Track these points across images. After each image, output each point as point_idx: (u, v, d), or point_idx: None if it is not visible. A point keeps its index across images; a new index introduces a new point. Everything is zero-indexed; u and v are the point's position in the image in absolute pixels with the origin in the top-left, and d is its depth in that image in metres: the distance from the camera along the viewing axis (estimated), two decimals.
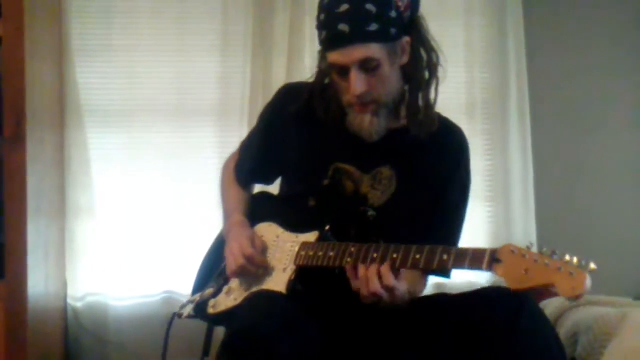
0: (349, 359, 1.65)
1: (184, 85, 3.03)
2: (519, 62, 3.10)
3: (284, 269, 1.70)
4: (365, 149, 1.75)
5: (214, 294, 1.81)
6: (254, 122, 2.05)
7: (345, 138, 1.76)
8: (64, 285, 2.89)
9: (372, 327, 1.65)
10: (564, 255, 1.35)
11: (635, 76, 3.24)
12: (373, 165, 1.77)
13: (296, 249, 1.71)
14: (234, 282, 1.79)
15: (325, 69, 1.78)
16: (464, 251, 1.46)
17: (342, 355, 1.64)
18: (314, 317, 1.56)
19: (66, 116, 2.91)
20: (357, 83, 1.65)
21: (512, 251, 1.39)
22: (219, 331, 1.83)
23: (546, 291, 1.37)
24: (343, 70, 1.67)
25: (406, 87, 1.76)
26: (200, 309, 1.81)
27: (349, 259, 1.59)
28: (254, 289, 1.73)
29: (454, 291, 1.75)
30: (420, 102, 1.76)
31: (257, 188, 2.13)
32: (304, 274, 1.69)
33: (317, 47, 1.77)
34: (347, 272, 1.58)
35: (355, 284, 1.56)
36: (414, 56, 1.74)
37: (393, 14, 1.64)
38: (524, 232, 3.01)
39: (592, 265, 1.33)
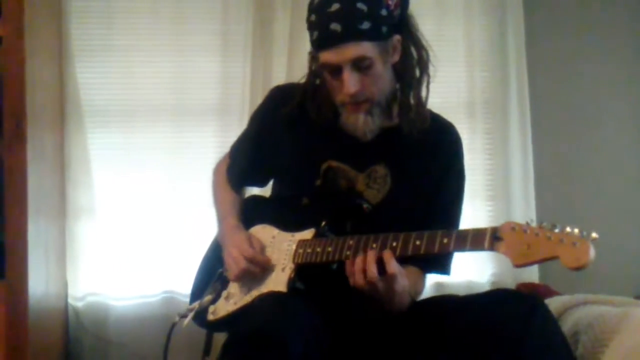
0: (356, 359, 1.65)
1: (184, 85, 3.03)
2: (519, 61, 3.10)
3: (283, 269, 1.70)
4: (360, 148, 1.76)
5: (213, 301, 1.80)
6: None
7: (339, 138, 1.77)
8: (65, 285, 2.89)
9: (378, 326, 1.65)
10: (564, 227, 1.34)
11: (636, 77, 3.24)
12: (368, 164, 1.77)
13: (294, 247, 1.71)
14: (233, 287, 1.79)
15: (317, 70, 1.78)
16: (465, 233, 1.47)
17: (349, 355, 1.64)
18: (321, 316, 1.56)
19: (66, 116, 2.91)
20: (350, 82, 1.66)
21: (513, 228, 1.39)
22: None
23: None
24: (336, 70, 1.68)
25: (398, 86, 1.76)
26: (200, 317, 1.81)
27: (348, 252, 1.59)
28: (254, 291, 1.73)
29: (454, 291, 1.75)
30: (412, 100, 1.76)
31: (249, 191, 2.14)
32: (303, 272, 1.69)
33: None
34: (347, 268, 1.57)
35: (351, 271, 1.56)
36: (405, 54, 1.75)
37: (384, 12, 1.65)
38: None
39: (594, 235, 1.33)
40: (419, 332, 1.58)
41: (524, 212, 3.03)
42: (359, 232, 1.63)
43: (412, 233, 1.53)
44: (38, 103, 2.52)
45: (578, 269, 1.31)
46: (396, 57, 1.73)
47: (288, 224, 1.77)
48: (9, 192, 2.31)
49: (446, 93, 3.09)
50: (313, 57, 1.77)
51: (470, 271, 3.03)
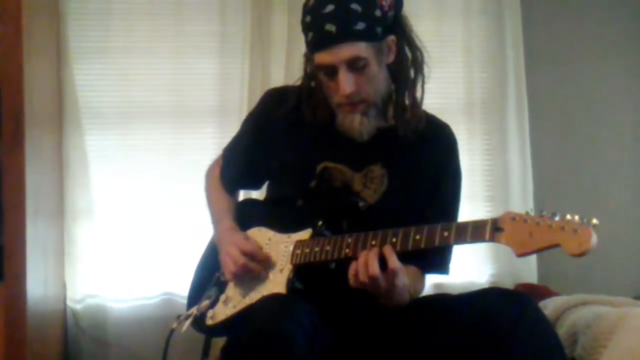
0: (355, 358, 1.64)
1: (182, 86, 3.03)
2: (517, 62, 3.10)
3: (281, 270, 1.70)
4: (356, 149, 1.76)
5: (212, 305, 1.80)
6: None
7: (335, 139, 1.77)
8: (63, 287, 2.89)
9: (376, 325, 1.65)
10: (565, 215, 1.34)
11: (634, 78, 3.24)
12: (364, 164, 1.77)
13: (291, 248, 1.70)
14: (231, 290, 1.78)
15: (312, 72, 1.78)
16: (465, 225, 1.46)
17: (349, 353, 1.64)
18: (321, 315, 1.56)
19: (64, 118, 2.91)
20: (346, 83, 1.66)
21: (513, 218, 1.39)
22: None
23: None
24: (331, 71, 1.68)
25: (393, 87, 1.76)
26: (198, 322, 1.80)
27: (347, 250, 1.59)
28: (253, 294, 1.72)
29: (454, 291, 1.75)
30: (407, 100, 1.76)
31: (243, 195, 2.13)
32: (301, 272, 1.68)
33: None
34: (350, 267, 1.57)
35: (353, 269, 1.56)
36: (400, 55, 1.75)
37: (378, 13, 1.65)
38: None
39: (595, 221, 1.32)
40: (414, 329, 1.59)
41: None
42: (356, 230, 1.63)
43: (412, 227, 1.53)
44: (36, 104, 2.52)
45: (580, 255, 1.31)
46: (391, 58, 1.74)
47: (284, 226, 1.77)
48: (7, 194, 2.31)
49: (444, 94, 3.09)
50: (308, 59, 1.77)
51: (470, 272, 3.04)
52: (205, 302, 1.80)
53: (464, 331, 1.49)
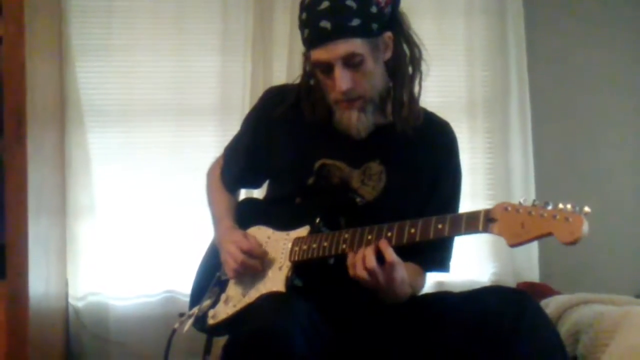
0: (356, 355, 1.65)
1: (184, 84, 3.03)
2: (519, 61, 3.10)
3: (280, 268, 1.70)
4: (354, 146, 1.76)
5: (213, 305, 1.80)
6: None
7: (333, 136, 1.77)
8: (65, 285, 2.89)
9: (376, 322, 1.65)
10: (557, 204, 1.34)
11: (636, 72, 3.24)
12: (362, 161, 1.78)
13: (289, 245, 1.71)
14: (231, 290, 1.79)
15: (310, 70, 1.78)
16: (458, 217, 1.47)
17: (349, 351, 1.64)
18: (321, 313, 1.56)
19: (66, 116, 2.92)
20: (342, 79, 1.66)
21: (506, 208, 1.39)
22: None
23: None
24: (327, 68, 1.68)
25: (391, 83, 1.76)
26: (200, 322, 1.81)
27: (344, 246, 1.60)
28: (253, 292, 1.73)
29: (456, 289, 1.75)
30: (405, 97, 1.76)
31: (244, 193, 2.14)
32: (300, 269, 1.69)
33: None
34: (348, 261, 1.57)
35: (351, 263, 1.56)
36: (397, 52, 1.75)
37: (374, 9, 1.65)
38: None
39: (587, 209, 1.32)
40: (415, 326, 1.59)
41: None
42: (354, 226, 1.63)
43: (407, 221, 1.54)
44: (38, 103, 2.52)
45: (572, 243, 1.30)
46: (388, 54, 1.74)
47: (283, 224, 1.78)
48: (9, 192, 2.31)
49: (447, 92, 3.09)
50: (307, 57, 1.77)
51: (471, 270, 3.04)
52: (207, 302, 1.80)
53: (465, 329, 1.50)
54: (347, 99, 1.70)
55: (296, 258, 1.68)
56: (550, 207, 1.34)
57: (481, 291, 1.62)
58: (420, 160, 1.79)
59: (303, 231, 1.72)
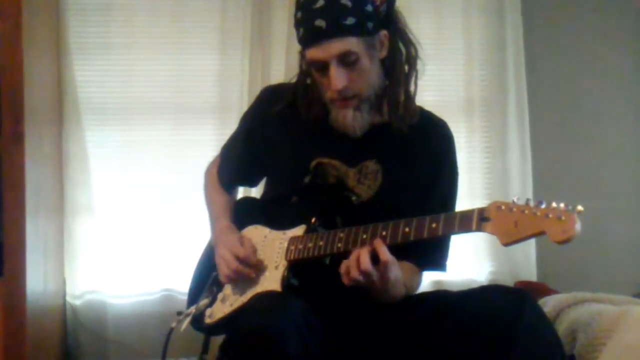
0: (352, 355, 1.65)
1: (183, 82, 3.03)
2: (517, 60, 3.10)
3: (276, 267, 1.71)
4: (350, 144, 1.76)
5: (210, 304, 1.80)
6: None
7: (329, 135, 1.77)
8: (63, 283, 2.89)
9: (373, 322, 1.65)
10: (550, 203, 1.34)
11: (634, 72, 3.24)
12: (358, 160, 1.78)
13: (285, 245, 1.71)
14: (228, 289, 1.79)
15: (306, 68, 1.78)
16: (452, 216, 1.48)
17: (345, 351, 1.64)
18: (317, 313, 1.56)
19: (64, 114, 2.91)
20: (337, 78, 1.66)
21: (499, 207, 1.40)
22: None
23: None
24: (323, 67, 1.68)
25: (387, 82, 1.76)
26: (197, 321, 1.81)
27: (339, 245, 1.60)
28: (249, 291, 1.73)
29: (454, 288, 1.75)
30: (401, 96, 1.76)
31: (241, 192, 2.14)
32: (296, 268, 1.69)
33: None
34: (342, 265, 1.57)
35: (345, 266, 1.56)
36: (393, 50, 1.75)
37: (369, 8, 1.65)
38: None
39: (580, 207, 1.32)
40: (412, 326, 1.59)
41: None
42: (350, 225, 1.64)
43: (401, 220, 1.54)
44: (36, 101, 2.52)
45: (565, 242, 1.30)
46: (384, 53, 1.73)
47: (279, 223, 1.78)
48: (7, 190, 2.31)
49: (444, 91, 3.10)
50: (302, 56, 1.77)
51: (469, 269, 3.04)
52: (204, 301, 1.80)
53: (463, 328, 1.50)
54: (343, 97, 1.70)
55: (292, 257, 1.68)
56: (543, 206, 1.35)
57: (479, 290, 1.62)
58: (416, 159, 1.79)
59: (299, 230, 1.72)
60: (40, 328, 2.51)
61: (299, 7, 1.70)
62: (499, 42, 3.11)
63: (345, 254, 1.59)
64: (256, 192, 2.39)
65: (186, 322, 1.80)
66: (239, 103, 2.96)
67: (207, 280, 1.86)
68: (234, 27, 3.02)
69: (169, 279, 2.95)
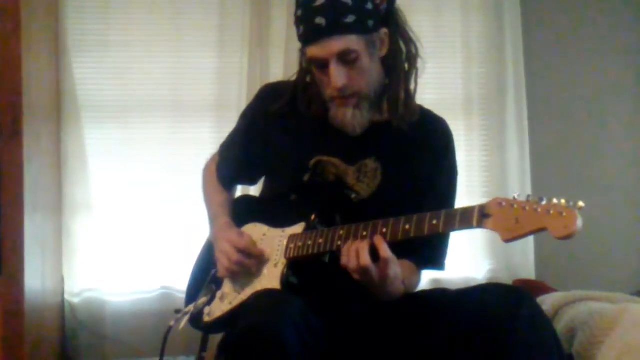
0: (351, 353, 1.65)
1: (181, 81, 3.03)
2: (516, 58, 3.11)
3: (276, 265, 1.70)
4: (350, 142, 1.76)
5: (208, 302, 1.80)
6: None
7: (329, 133, 1.76)
8: (61, 281, 2.89)
9: (371, 320, 1.65)
10: (551, 199, 1.34)
11: (633, 70, 3.24)
12: (358, 158, 1.77)
13: (285, 242, 1.71)
14: (227, 287, 1.79)
15: (306, 66, 1.78)
16: (453, 212, 1.47)
17: (344, 349, 1.64)
18: (316, 311, 1.56)
19: (63, 112, 2.91)
20: (337, 76, 1.66)
21: (500, 204, 1.40)
22: None
23: None
24: (323, 65, 1.68)
25: (387, 81, 1.76)
26: (196, 320, 1.80)
27: (339, 242, 1.60)
28: (248, 289, 1.72)
29: (452, 287, 1.75)
30: (401, 94, 1.76)
31: (240, 190, 2.14)
32: (296, 266, 1.69)
33: None
34: (341, 259, 1.57)
35: (345, 259, 1.56)
36: (393, 48, 1.74)
37: (369, 6, 1.65)
38: None
39: (581, 204, 1.32)
40: (411, 324, 1.59)
41: None
42: (349, 222, 1.63)
43: (401, 217, 1.54)
44: (34, 98, 2.52)
45: (566, 238, 1.31)
46: (384, 51, 1.73)
47: (278, 221, 1.77)
48: (6, 188, 2.31)
49: (443, 89, 3.10)
50: (303, 54, 1.77)
51: (468, 267, 3.04)
52: (203, 299, 1.80)
53: (461, 327, 1.50)
54: (343, 95, 1.70)
55: (291, 255, 1.68)
56: (544, 202, 1.35)
57: (478, 289, 1.62)
58: (416, 158, 1.79)
59: (298, 228, 1.72)
60: (38, 326, 2.51)
61: (299, 4, 1.69)
62: (497, 40, 3.11)
63: None
64: (255, 190, 2.39)
65: (185, 320, 1.80)
66: (238, 101, 2.96)
67: (205, 278, 1.86)
68: (232, 26, 3.03)
69: (167, 276, 2.95)
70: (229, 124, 2.14)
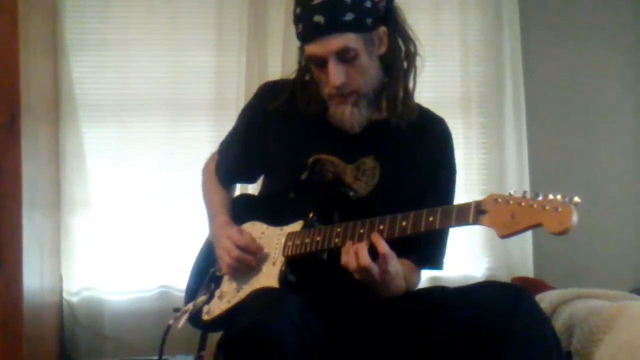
0: (349, 351, 1.65)
1: (179, 79, 3.03)
2: (514, 56, 3.10)
3: (274, 263, 1.70)
4: (348, 140, 1.76)
5: (207, 301, 1.80)
6: None
7: (327, 131, 1.77)
8: (60, 279, 2.89)
9: (369, 318, 1.65)
10: (547, 195, 1.34)
11: (632, 68, 3.25)
12: (356, 156, 1.77)
13: (283, 240, 1.71)
14: (225, 285, 1.79)
15: (305, 64, 1.78)
16: (449, 209, 1.47)
17: (343, 347, 1.64)
18: (314, 309, 1.56)
19: (61, 111, 2.91)
20: (335, 74, 1.66)
21: (496, 200, 1.40)
22: None
23: None
24: (322, 63, 1.68)
25: (386, 79, 1.76)
26: (194, 318, 1.81)
27: (337, 240, 1.60)
28: (246, 287, 1.73)
29: (451, 285, 1.75)
30: (400, 92, 1.76)
31: (239, 189, 2.14)
32: (294, 264, 1.69)
33: None
34: (342, 258, 1.57)
35: (345, 259, 1.57)
36: (392, 46, 1.74)
37: (368, 4, 1.65)
38: None
39: (576, 199, 1.32)
40: (409, 322, 1.59)
41: None
42: (348, 220, 1.63)
43: (398, 214, 1.54)
44: (32, 97, 2.51)
45: (561, 233, 1.30)
46: (382, 49, 1.73)
47: (277, 219, 1.78)
48: (4, 187, 2.30)
49: (441, 88, 3.10)
50: (302, 52, 1.77)
51: (466, 265, 3.04)
52: (202, 298, 1.80)
53: (460, 325, 1.49)
54: (341, 93, 1.70)
55: (290, 253, 1.68)
56: (540, 198, 1.35)
57: (476, 286, 1.62)
58: (414, 157, 1.79)
59: (296, 226, 1.72)
60: (37, 325, 2.51)
61: (298, 2, 1.69)
62: (495, 38, 3.11)
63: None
64: (253, 189, 2.39)
65: (184, 319, 1.80)
66: (236, 100, 2.96)
67: (204, 276, 1.86)
68: (230, 24, 3.02)
69: (165, 275, 2.95)
70: (228, 123, 2.14)
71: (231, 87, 3.00)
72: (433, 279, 2.78)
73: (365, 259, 1.52)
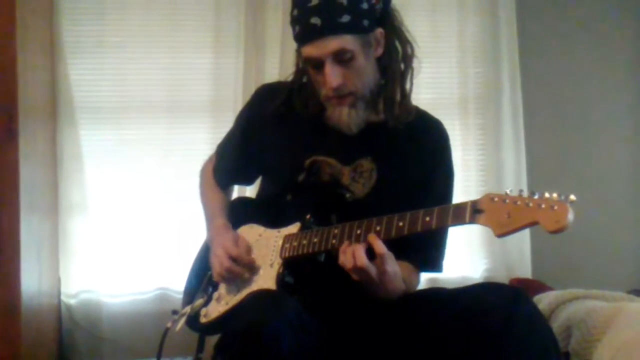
0: (346, 353, 1.65)
1: (177, 81, 3.03)
2: (512, 58, 3.11)
3: (271, 265, 1.71)
4: (345, 142, 1.76)
5: (205, 304, 1.80)
6: None
7: (325, 133, 1.77)
8: (58, 282, 2.88)
9: (367, 319, 1.65)
10: (543, 193, 1.34)
11: (629, 69, 3.25)
12: (353, 158, 1.77)
13: (280, 242, 1.72)
14: (223, 288, 1.79)
15: (302, 66, 1.78)
16: (446, 209, 1.47)
17: (340, 349, 1.64)
18: (312, 311, 1.56)
19: (59, 113, 2.91)
20: (332, 76, 1.66)
21: (492, 199, 1.40)
22: None
23: None
24: (318, 65, 1.68)
25: (383, 80, 1.76)
26: (192, 321, 1.81)
27: (334, 241, 1.60)
28: (244, 290, 1.73)
29: (449, 286, 1.75)
30: (397, 94, 1.76)
31: (236, 191, 2.14)
32: (291, 266, 1.69)
33: None
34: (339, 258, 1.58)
35: (342, 259, 1.56)
36: (389, 48, 1.74)
37: (365, 5, 1.65)
38: None
39: (572, 197, 1.32)
40: (406, 324, 1.59)
41: None
42: (345, 222, 1.63)
43: (395, 215, 1.54)
44: (30, 99, 2.51)
45: (557, 231, 1.31)
46: (379, 51, 1.73)
47: (274, 221, 1.78)
48: (1, 189, 2.30)
49: (439, 89, 3.10)
50: (299, 54, 1.77)
51: (464, 266, 3.04)
52: (199, 301, 1.81)
53: (457, 326, 1.50)
54: (338, 95, 1.70)
55: (287, 254, 1.69)
56: (536, 197, 1.35)
57: (475, 287, 1.62)
58: (411, 158, 1.79)
59: (294, 228, 1.72)
60: (35, 327, 2.50)
61: (295, 4, 1.70)
62: (493, 39, 3.11)
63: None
64: (251, 191, 2.39)
65: (182, 321, 1.80)
66: (233, 102, 2.96)
67: (202, 279, 1.87)
68: (228, 26, 3.03)
69: (163, 277, 2.95)
70: (225, 125, 2.14)
71: (229, 89, 3.00)
72: (431, 280, 2.78)
73: (363, 259, 1.52)
